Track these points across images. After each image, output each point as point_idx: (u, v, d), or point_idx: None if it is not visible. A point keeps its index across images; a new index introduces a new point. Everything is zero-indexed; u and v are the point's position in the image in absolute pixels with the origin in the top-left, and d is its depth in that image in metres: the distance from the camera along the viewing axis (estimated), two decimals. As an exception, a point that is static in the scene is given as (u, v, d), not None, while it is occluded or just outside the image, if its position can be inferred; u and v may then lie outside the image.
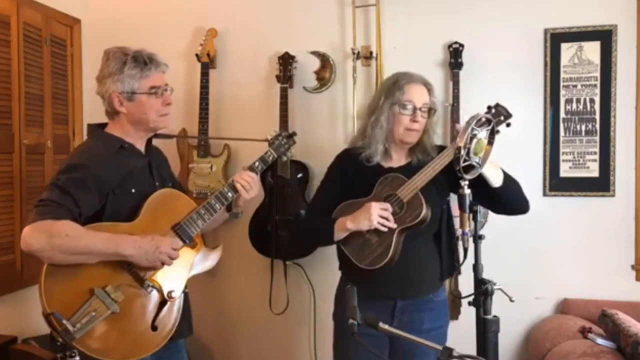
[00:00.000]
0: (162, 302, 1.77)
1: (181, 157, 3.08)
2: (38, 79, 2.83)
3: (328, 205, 2.04)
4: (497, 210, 2.03)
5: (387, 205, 1.89)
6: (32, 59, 2.78)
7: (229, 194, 1.91)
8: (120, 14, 3.27)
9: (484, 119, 1.70)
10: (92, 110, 3.22)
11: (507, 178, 1.91)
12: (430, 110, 2.00)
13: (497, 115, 1.85)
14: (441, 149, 2.00)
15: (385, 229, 1.88)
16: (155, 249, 1.69)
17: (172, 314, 1.79)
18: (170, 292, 1.78)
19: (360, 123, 2.15)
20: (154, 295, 1.76)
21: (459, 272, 2.04)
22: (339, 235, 1.97)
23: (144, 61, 1.78)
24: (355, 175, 2.05)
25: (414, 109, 1.96)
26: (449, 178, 1.91)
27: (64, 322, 1.58)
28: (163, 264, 1.74)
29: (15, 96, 2.66)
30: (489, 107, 1.87)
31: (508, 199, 1.94)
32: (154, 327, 1.74)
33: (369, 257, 1.92)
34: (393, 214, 1.89)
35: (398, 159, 2.06)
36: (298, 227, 2.32)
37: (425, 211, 1.88)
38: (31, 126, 2.77)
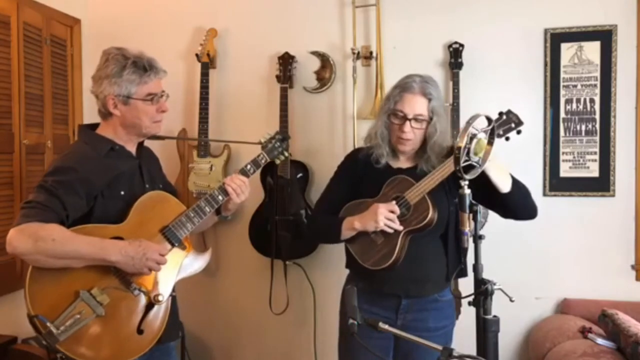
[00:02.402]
0: (149, 305, 1.75)
1: (181, 157, 3.08)
2: (38, 79, 2.83)
3: (336, 203, 2.06)
4: (505, 215, 2.02)
5: (394, 207, 1.89)
6: (32, 59, 2.78)
7: (219, 197, 1.89)
8: (120, 14, 3.27)
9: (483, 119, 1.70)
10: (92, 110, 3.22)
11: (516, 184, 1.91)
12: (430, 120, 1.95)
13: (508, 122, 1.85)
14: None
15: (391, 231, 1.89)
16: (142, 255, 1.67)
17: (159, 317, 1.76)
18: (157, 296, 1.75)
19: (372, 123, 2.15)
20: (141, 299, 1.74)
21: (466, 274, 2.02)
22: (345, 234, 1.98)
23: (143, 67, 1.76)
24: (364, 174, 2.06)
25: (404, 118, 1.94)
26: (458, 179, 1.92)
27: (48, 324, 1.56)
28: (151, 270, 1.71)
29: (15, 96, 2.66)
30: (500, 114, 1.86)
31: (516, 205, 1.94)
32: (140, 331, 1.72)
33: (373, 257, 1.94)
34: (399, 216, 1.89)
35: (406, 160, 2.07)
36: (306, 225, 2.29)
37: (431, 214, 1.88)
38: (31, 126, 2.77)
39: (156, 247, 1.73)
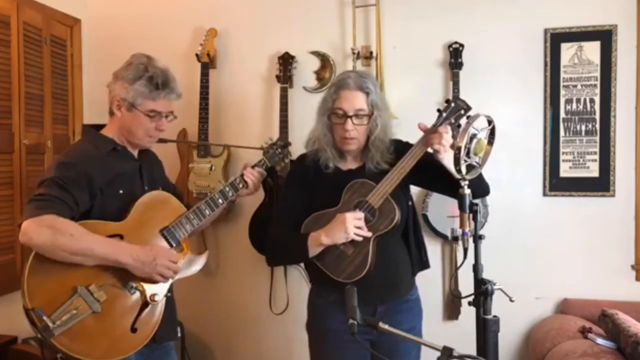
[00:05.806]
0: (144, 304, 1.76)
1: (181, 157, 3.08)
2: (38, 79, 2.83)
3: (294, 215, 1.95)
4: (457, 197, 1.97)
5: (361, 215, 1.82)
6: (32, 59, 2.78)
7: (220, 200, 1.94)
8: (120, 14, 3.26)
9: (472, 117, 1.69)
10: (92, 110, 3.22)
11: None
12: (372, 115, 1.87)
13: (457, 109, 1.80)
14: (398, 143, 1.94)
15: (361, 239, 1.82)
16: (152, 259, 1.69)
17: (153, 317, 1.78)
18: (153, 295, 1.77)
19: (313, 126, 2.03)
20: (136, 297, 1.75)
21: (428, 266, 2.03)
22: (313, 251, 1.86)
23: (157, 84, 1.79)
24: (315, 181, 1.97)
25: (345, 116, 1.86)
26: (409, 172, 1.87)
27: (44, 318, 1.57)
28: (163, 276, 1.73)
29: (15, 96, 2.66)
30: (448, 101, 1.83)
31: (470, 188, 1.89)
32: (133, 329, 1.73)
33: (346, 269, 1.85)
34: (366, 222, 1.82)
35: (353, 160, 1.99)
36: (268, 249, 2.08)
37: (398, 216, 1.84)
38: (31, 126, 2.77)
39: (166, 252, 1.75)
